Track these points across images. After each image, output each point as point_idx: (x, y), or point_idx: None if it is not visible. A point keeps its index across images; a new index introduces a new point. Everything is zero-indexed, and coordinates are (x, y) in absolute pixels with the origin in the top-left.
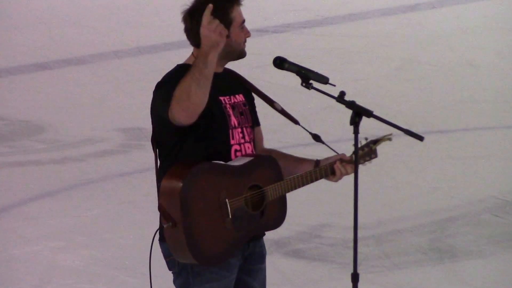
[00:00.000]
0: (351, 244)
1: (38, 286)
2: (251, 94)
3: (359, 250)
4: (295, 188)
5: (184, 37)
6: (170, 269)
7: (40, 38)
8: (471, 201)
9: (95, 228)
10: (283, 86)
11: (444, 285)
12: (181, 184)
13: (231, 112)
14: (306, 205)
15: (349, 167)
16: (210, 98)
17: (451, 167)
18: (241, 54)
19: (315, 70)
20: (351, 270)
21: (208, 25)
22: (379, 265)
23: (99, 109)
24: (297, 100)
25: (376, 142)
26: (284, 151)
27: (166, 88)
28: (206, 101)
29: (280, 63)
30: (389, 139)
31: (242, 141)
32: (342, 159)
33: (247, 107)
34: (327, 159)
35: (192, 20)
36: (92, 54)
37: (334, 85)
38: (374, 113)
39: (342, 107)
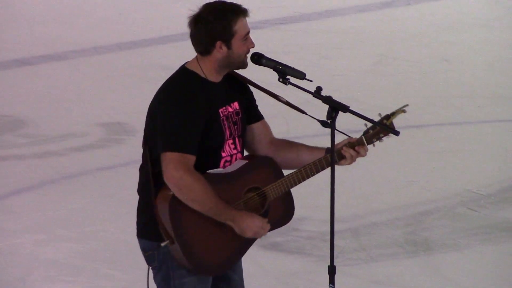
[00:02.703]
0: (328, 237)
1: (20, 279)
2: (247, 92)
3: (335, 243)
4: (299, 182)
5: (162, 33)
6: (149, 264)
7: (21, 34)
8: (446, 194)
9: (76, 222)
10: (260, 82)
11: (419, 277)
12: (169, 201)
13: (226, 124)
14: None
15: (362, 149)
16: (211, 113)
17: (427, 161)
18: (241, 66)
19: (292, 65)
20: (328, 263)
21: (262, 229)
22: (355, 258)
23: (80, 104)
24: None
25: (390, 116)
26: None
27: (175, 116)
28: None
29: (257, 59)
30: (404, 111)
31: (234, 151)
32: (350, 142)
33: (239, 116)
34: (336, 145)
35: (196, 27)
36: (73, 50)
37: (311, 81)
38: (351, 108)
39: (319, 102)
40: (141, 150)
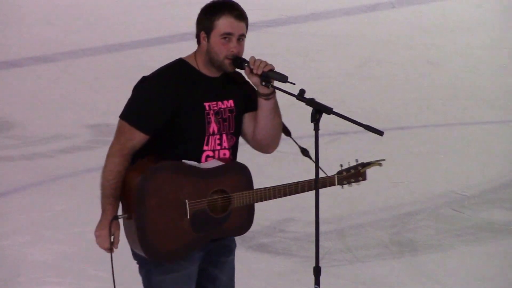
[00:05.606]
0: (314, 238)
1: (7, 280)
2: (249, 86)
3: (321, 244)
4: (265, 200)
5: (150, 35)
6: (135, 259)
7: (9, 36)
8: (430, 196)
9: (63, 223)
10: None
11: (404, 277)
12: (139, 178)
13: (212, 118)
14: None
15: None
16: (193, 104)
17: (411, 162)
18: (221, 67)
19: (276, 68)
20: (314, 264)
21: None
22: (341, 259)
23: (67, 106)
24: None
25: (366, 165)
26: None
27: (138, 98)
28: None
29: (240, 62)
30: (380, 165)
31: (218, 147)
32: (322, 179)
33: (233, 113)
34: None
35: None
36: (60, 52)
37: (294, 83)
38: (334, 110)
39: (302, 104)
40: None
